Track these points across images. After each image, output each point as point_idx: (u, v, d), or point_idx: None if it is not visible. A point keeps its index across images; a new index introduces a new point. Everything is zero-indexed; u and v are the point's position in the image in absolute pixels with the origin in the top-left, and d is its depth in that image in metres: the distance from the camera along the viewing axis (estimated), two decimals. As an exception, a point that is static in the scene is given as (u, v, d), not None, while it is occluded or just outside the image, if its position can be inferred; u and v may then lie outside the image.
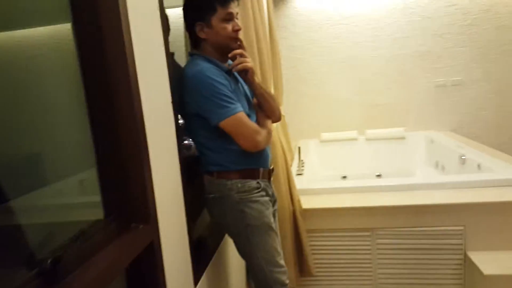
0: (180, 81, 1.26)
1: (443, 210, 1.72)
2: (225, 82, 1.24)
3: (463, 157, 2.35)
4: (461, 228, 1.71)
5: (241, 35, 1.73)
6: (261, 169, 1.37)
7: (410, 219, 1.78)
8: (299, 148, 2.47)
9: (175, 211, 1.12)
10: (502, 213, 1.66)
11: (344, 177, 3.25)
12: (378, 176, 3.18)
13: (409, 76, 3.34)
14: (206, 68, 1.24)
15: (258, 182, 1.35)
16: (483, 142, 3.23)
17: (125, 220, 0.92)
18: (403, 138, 3.23)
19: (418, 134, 3.25)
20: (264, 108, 1.42)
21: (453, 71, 3.28)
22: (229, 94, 1.23)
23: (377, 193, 1.93)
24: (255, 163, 1.35)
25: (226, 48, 1.31)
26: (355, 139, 3.33)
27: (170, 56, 1.16)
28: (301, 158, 2.68)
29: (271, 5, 2.51)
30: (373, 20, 3.33)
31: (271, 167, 1.46)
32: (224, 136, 1.26)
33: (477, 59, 3.23)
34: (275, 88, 2.70)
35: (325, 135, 3.41)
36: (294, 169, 2.47)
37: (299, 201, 1.91)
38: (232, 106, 1.22)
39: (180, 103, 1.24)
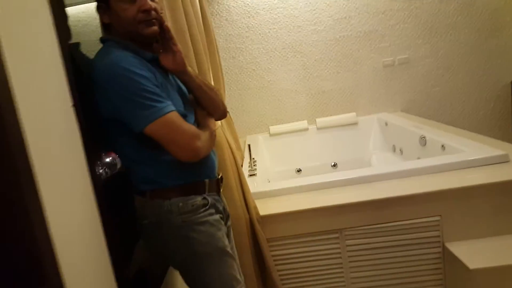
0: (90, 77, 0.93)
1: (415, 201, 1.50)
2: (148, 74, 0.93)
3: (423, 138, 2.18)
4: (437, 218, 1.50)
5: (168, 20, 1.38)
6: (207, 181, 1.07)
7: (379, 215, 1.54)
8: (248, 145, 2.16)
9: (92, 256, 0.79)
10: (479, 197, 1.47)
11: (299, 170, 3.00)
12: (334, 166, 2.97)
13: (355, 58, 3.16)
14: (122, 57, 0.92)
15: (204, 198, 1.05)
16: (437, 120, 3.14)
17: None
18: (355, 123, 3.05)
19: (370, 117, 3.08)
20: (205, 104, 1.13)
21: (400, 49, 3.15)
22: (155, 89, 0.93)
23: (339, 189, 1.67)
24: (199, 174, 1.06)
25: (136, 35, 0.99)
26: (305, 129, 3.09)
27: (71, 47, 0.88)
28: (252, 157, 2.38)
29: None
30: (311, 1, 3.10)
31: (219, 176, 1.16)
32: (153, 145, 0.95)
33: (422, 35, 3.12)
34: (215, 81, 2.36)
35: (274, 128, 3.14)
36: (245, 170, 2.15)
37: (255, 207, 1.60)
38: (160, 105, 0.92)
39: (93, 105, 0.93)
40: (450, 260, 1.49)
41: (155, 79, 0.95)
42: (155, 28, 0.99)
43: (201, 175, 1.07)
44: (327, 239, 1.58)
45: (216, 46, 2.50)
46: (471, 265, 1.34)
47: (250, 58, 3.21)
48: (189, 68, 1.08)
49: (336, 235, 1.57)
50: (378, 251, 1.57)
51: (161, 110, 0.92)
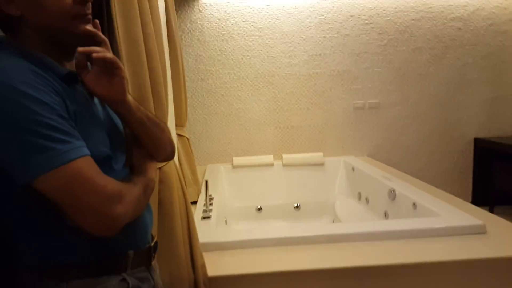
0: None
1: (400, 272, 1.34)
2: (51, 99, 0.64)
3: (393, 191, 2.07)
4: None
5: (120, 28, 1.17)
6: (131, 253, 0.78)
7: (354, 285, 1.36)
8: (206, 182, 1.94)
9: None
10: (452, 273, 1.34)
11: (260, 209, 2.81)
12: (297, 207, 2.81)
13: (326, 96, 3.07)
14: (12, 71, 0.62)
15: (123, 279, 0.76)
16: (401, 169, 3.09)
17: None
18: (322, 164, 2.93)
19: (337, 160, 2.98)
20: (145, 143, 0.86)
21: (371, 93, 3.11)
22: (58, 122, 0.63)
23: (308, 246, 1.49)
24: (119, 245, 0.76)
25: (63, 35, 0.71)
26: (271, 164, 2.93)
27: None
28: (209, 193, 2.16)
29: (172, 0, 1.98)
30: (287, 34, 3.00)
31: (153, 242, 0.89)
32: (49, 204, 0.66)
33: (394, 81, 3.10)
34: (177, 103, 2.15)
35: (238, 160, 2.94)
36: (199, 211, 1.93)
37: (203, 266, 1.37)
38: (62, 147, 0.63)
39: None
40: None
41: (63, 106, 0.66)
42: (90, 27, 0.73)
43: (123, 245, 0.77)
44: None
45: (182, 65, 2.30)
46: None
47: (219, 83, 3.03)
48: (130, 97, 0.80)
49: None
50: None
51: (64, 154, 0.62)
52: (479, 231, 1.49)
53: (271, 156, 2.98)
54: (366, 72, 3.08)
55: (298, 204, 2.81)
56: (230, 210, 2.71)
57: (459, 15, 3.05)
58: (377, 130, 3.14)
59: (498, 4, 3.06)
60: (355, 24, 3.02)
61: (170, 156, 0.98)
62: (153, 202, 1.29)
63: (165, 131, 0.91)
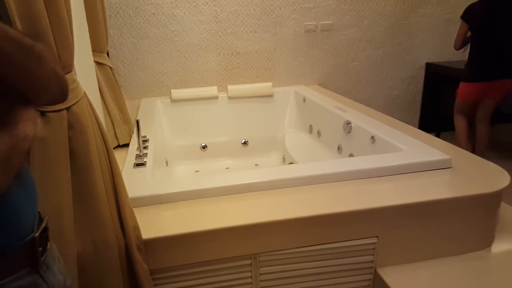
0: None
1: (351, 219, 1.18)
2: None
3: (348, 124, 1.89)
4: (374, 241, 1.21)
5: None
6: None
7: (302, 235, 1.19)
8: (137, 122, 1.60)
9: None
10: (421, 215, 1.21)
11: (204, 146, 2.55)
12: (244, 143, 2.59)
13: (275, 17, 2.71)
14: None
15: None
16: (351, 97, 2.94)
17: None
18: (271, 95, 2.67)
19: (287, 90, 2.73)
20: (10, 80, 0.51)
21: (324, 13, 2.79)
22: None
23: (256, 194, 1.28)
24: None
25: None
26: (215, 97, 2.61)
27: None
28: (143, 135, 1.84)
29: None
30: None
31: (40, 227, 0.60)
32: None
33: (349, 0, 2.80)
34: (92, 24, 1.69)
35: (177, 93, 2.58)
36: (131, 156, 1.62)
37: (135, 228, 1.11)
38: None
39: None
40: None
41: None
42: None
43: None
44: (236, 267, 1.19)
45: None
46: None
47: None
48: None
49: (248, 261, 1.19)
50: (298, 280, 1.25)
51: None
52: (445, 165, 1.36)
53: (215, 87, 2.65)
54: (319, -12, 2.73)
55: (245, 140, 2.59)
56: (171, 150, 2.42)
57: None
58: (329, 55, 2.89)
59: None
60: None
61: (59, 97, 0.64)
62: (63, 154, 0.97)
63: (43, 60, 0.56)
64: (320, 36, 2.83)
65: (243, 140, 2.59)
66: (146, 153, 1.65)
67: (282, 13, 2.71)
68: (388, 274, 1.22)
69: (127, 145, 1.82)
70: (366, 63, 2.97)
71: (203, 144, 2.54)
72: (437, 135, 3.11)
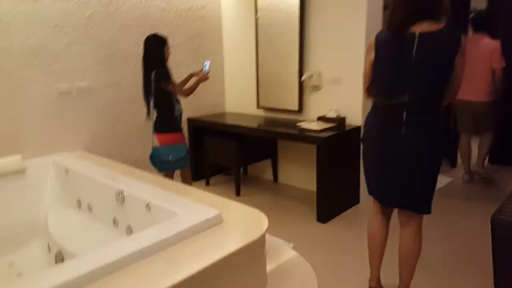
0: None
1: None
2: None
3: (121, 194, 1.77)
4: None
5: None
6: None
7: None
8: None
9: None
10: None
11: None
12: (-10, 236, 2.03)
13: (17, 79, 2.33)
14: None
15: None
16: (123, 160, 2.82)
17: None
18: (22, 171, 2.22)
19: (43, 161, 2.35)
20: None
21: (78, 75, 2.61)
22: None
23: None
24: None
25: None
26: None
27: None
28: None
29: None
30: None
31: None
32: None
33: (103, 61, 2.72)
34: None
35: None
36: None
37: None
38: None
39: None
40: None
41: None
42: None
43: None
44: None
45: None
46: None
47: None
48: None
49: None
50: None
51: None
52: (217, 221, 1.44)
53: None
54: (69, 49, 2.53)
55: (-9, 231, 2.03)
56: None
57: (162, -6, 2.99)
58: (91, 118, 2.70)
59: (194, -11, 3.21)
60: (46, -12, 2.39)
61: None
62: None
63: None
64: (77, 98, 2.61)
65: (-12, 233, 2.02)
66: None
67: (25, 74, 2.35)
68: None
69: None
70: (132, 123, 2.93)
71: None
72: (207, 180, 3.38)
